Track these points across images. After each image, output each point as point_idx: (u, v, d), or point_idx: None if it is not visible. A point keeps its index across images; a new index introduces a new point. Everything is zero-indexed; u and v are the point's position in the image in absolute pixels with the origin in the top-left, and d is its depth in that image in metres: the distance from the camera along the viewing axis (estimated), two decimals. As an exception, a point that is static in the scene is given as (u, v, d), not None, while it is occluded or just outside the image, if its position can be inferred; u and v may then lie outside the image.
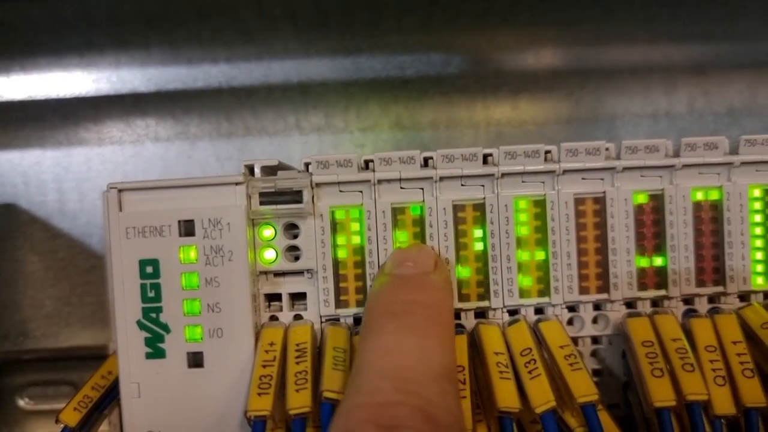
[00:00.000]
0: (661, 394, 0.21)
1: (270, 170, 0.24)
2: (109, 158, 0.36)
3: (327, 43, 0.36)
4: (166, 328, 0.22)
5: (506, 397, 0.20)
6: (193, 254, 0.22)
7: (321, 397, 0.20)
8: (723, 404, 0.21)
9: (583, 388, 0.20)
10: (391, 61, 0.35)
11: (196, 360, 0.22)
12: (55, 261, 0.36)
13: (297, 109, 0.35)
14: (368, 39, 0.36)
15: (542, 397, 0.20)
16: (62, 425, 0.26)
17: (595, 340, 0.24)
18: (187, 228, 0.22)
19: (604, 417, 0.21)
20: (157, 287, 0.22)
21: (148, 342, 0.22)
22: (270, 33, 0.35)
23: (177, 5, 0.36)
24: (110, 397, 0.28)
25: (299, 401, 0.20)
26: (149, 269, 0.22)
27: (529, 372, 0.21)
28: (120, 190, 0.22)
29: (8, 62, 0.36)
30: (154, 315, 0.22)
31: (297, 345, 0.22)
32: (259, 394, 0.20)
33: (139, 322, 0.22)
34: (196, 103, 0.36)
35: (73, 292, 0.36)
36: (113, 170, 0.36)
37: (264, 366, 0.21)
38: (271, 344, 0.22)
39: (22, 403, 0.37)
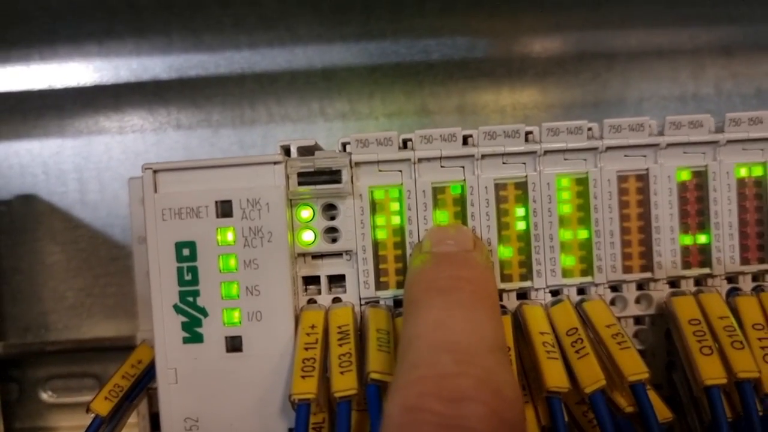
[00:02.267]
0: (711, 372, 0.20)
1: (306, 151, 0.23)
2: (130, 147, 0.36)
3: (351, 29, 0.35)
4: (203, 312, 0.22)
5: (555, 377, 0.20)
6: (230, 236, 0.22)
7: (367, 379, 0.19)
8: (775, 382, 0.21)
9: (633, 366, 0.20)
10: (416, 45, 0.35)
11: (234, 344, 0.22)
12: (77, 252, 0.36)
13: (321, 96, 0.35)
14: (392, 23, 0.35)
15: (592, 377, 0.20)
16: (93, 415, 0.26)
17: (638, 320, 0.24)
18: (225, 209, 0.22)
19: (653, 396, 0.21)
20: (194, 270, 0.22)
21: (185, 326, 0.22)
22: (293, 19, 0.35)
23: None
24: (140, 386, 0.28)
25: (345, 383, 0.20)
26: (186, 252, 0.22)
27: (576, 352, 0.21)
28: (155, 171, 0.22)
29: (28, 51, 0.36)
30: (191, 299, 0.22)
31: (339, 327, 0.21)
32: (303, 377, 0.20)
33: (175, 306, 0.22)
34: (218, 90, 0.35)
35: (95, 283, 0.36)
36: (135, 159, 0.36)
37: (306, 349, 0.21)
38: (313, 327, 0.21)
39: (44, 396, 0.36)
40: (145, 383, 0.28)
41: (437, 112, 0.35)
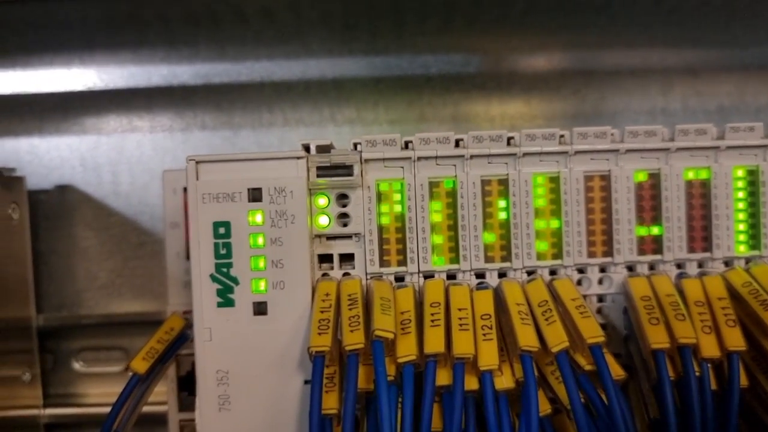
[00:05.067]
0: (657, 338, 0.24)
1: (322, 149, 0.27)
2: (159, 144, 0.40)
3: (358, 44, 0.40)
4: (235, 281, 0.26)
5: (527, 338, 0.24)
6: (259, 218, 0.26)
7: (373, 336, 0.23)
8: (709, 348, 0.25)
9: (592, 330, 0.24)
10: (416, 60, 0.40)
11: (260, 309, 0.26)
12: (109, 237, 0.40)
13: (331, 103, 0.39)
14: (395, 41, 0.40)
15: (558, 339, 0.24)
16: (132, 373, 0.30)
17: (601, 298, 0.28)
18: (255, 195, 0.26)
19: (609, 357, 0.25)
20: (228, 246, 0.26)
21: (220, 293, 0.26)
22: (307, 35, 0.39)
23: (222, 7, 0.40)
24: (171, 351, 0.32)
25: (354, 339, 0.24)
26: (221, 230, 0.26)
27: (546, 319, 0.25)
28: (197, 162, 0.26)
29: (69, 57, 0.40)
30: (225, 270, 0.26)
31: (349, 295, 0.25)
32: (319, 334, 0.24)
33: (212, 276, 0.26)
34: (240, 95, 0.40)
35: (125, 265, 0.40)
36: (163, 155, 0.40)
37: (322, 311, 0.25)
38: (327, 294, 0.26)
39: (77, 365, 0.40)
40: (175, 348, 0.32)
41: (434, 119, 0.39)
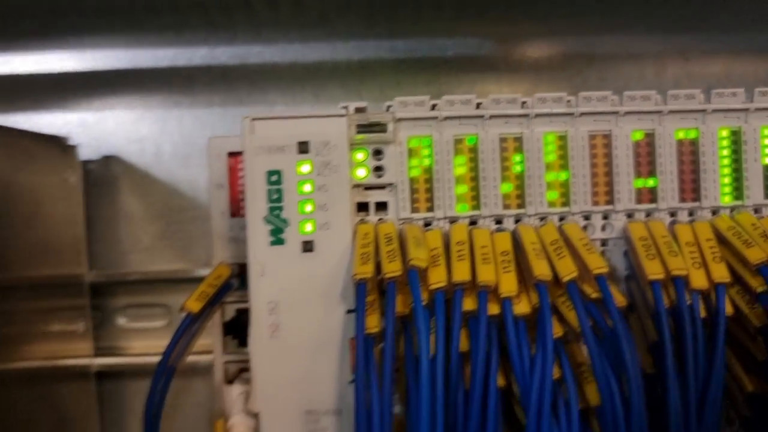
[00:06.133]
0: (653, 270, 0.28)
1: (360, 110, 0.31)
2: (199, 117, 0.44)
3: (381, 29, 0.44)
4: (285, 223, 0.30)
5: (541, 269, 0.28)
6: (307, 168, 0.30)
7: (408, 264, 0.27)
8: (698, 280, 0.28)
9: (597, 262, 0.28)
10: (435, 44, 0.44)
11: (307, 247, 0.30)
12: (152, 203, 0.44)
13: (357, 82, 0.43)
14: (415, 26, 0.44)
15: (567, 270, 0.28)
16: (186, 312, 0.34)
17: (604, 243, 0.32)
18: (303, 148, 0.30)
19: (613, 287, 0.28)
20: (279, 192, 0.30)
21: (272, 233, 0.30)
22: (335, 20, 0.43)
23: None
24: (219, 295, 0.36)
25: (392, 268, 0.27)
26: (274, 178, 0.30)
27: (557, 255, 0.29)
28: (253, 119, 0.30)
29: (114, 37, 0.44)
30: (276, 213, 0.30)
31: (386, 234, 0.29)
32: (362, 263, 0.28)
33: (265, 218, 0.30)
34: (273, 74, 0.43)
35: (167, 228, 0.44)
36: (202, 128, 0.44)
37: (363, 247, 0.29)
38: (366, 234, 0.29)
39: (122, 321, 0.44)
40: (222, 294, 0.36)
41: (451, 97, 0.43)
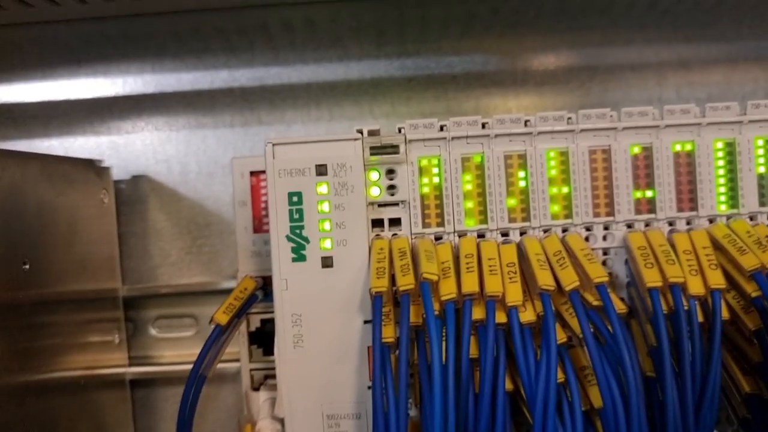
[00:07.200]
0: (652, 278, 0.30)
1: (372, 132, 0.33)
2: (222, 137, 0.46)
3: (392, 48, 0.46)
4: (306, 240, 0.32)
5: (545, 279, 0.30)
6: (325, 188, 0.32)
7: (421, 278, 0.29)
8: (695, 287, 0.30)
9: (598, 272, 0.30)
10: (443, 61, 0.46)
11: (327, 263, 0.32)
12: (179, 219, 0.46)
13: (370, 99, 0.45)
14: (424, 44, 0.46)
15: (569, 279, 0.30)
16: (215, 324, 0.36)
17: (605, 252, 0.34)
18: (321, 170, 0.32)
19: (613, 295, 0.30)
20: (300, 211, 0.32)
21: (294, 250, 0.32)
22: (347, 41, 0.46)
23: (273, 20, 0.46)
24: (245, 307, 0.38)
25: (406, 281, 0.29)
26: (295, 199, 0.32)
27: (560, 265, 0.31)
28: (274, 144, 0.32)
29: (142, 64, 0.47)
30: (298, 231, 0.32)
31: (399, 249, 0.31)
32: (377, 277, 0.30)
33: (287, 236, 0.32)
34: (290, 94, 0.46)
35: (193, 243, 0.46)
36: (225, 147, 0.46)
37: (378, 261, 0.31)
38: (381, 249, 0.31)
39: (153, 331, 0.46)
40: (248, 306, 0.38)
41: (459, 112, 0.45)
